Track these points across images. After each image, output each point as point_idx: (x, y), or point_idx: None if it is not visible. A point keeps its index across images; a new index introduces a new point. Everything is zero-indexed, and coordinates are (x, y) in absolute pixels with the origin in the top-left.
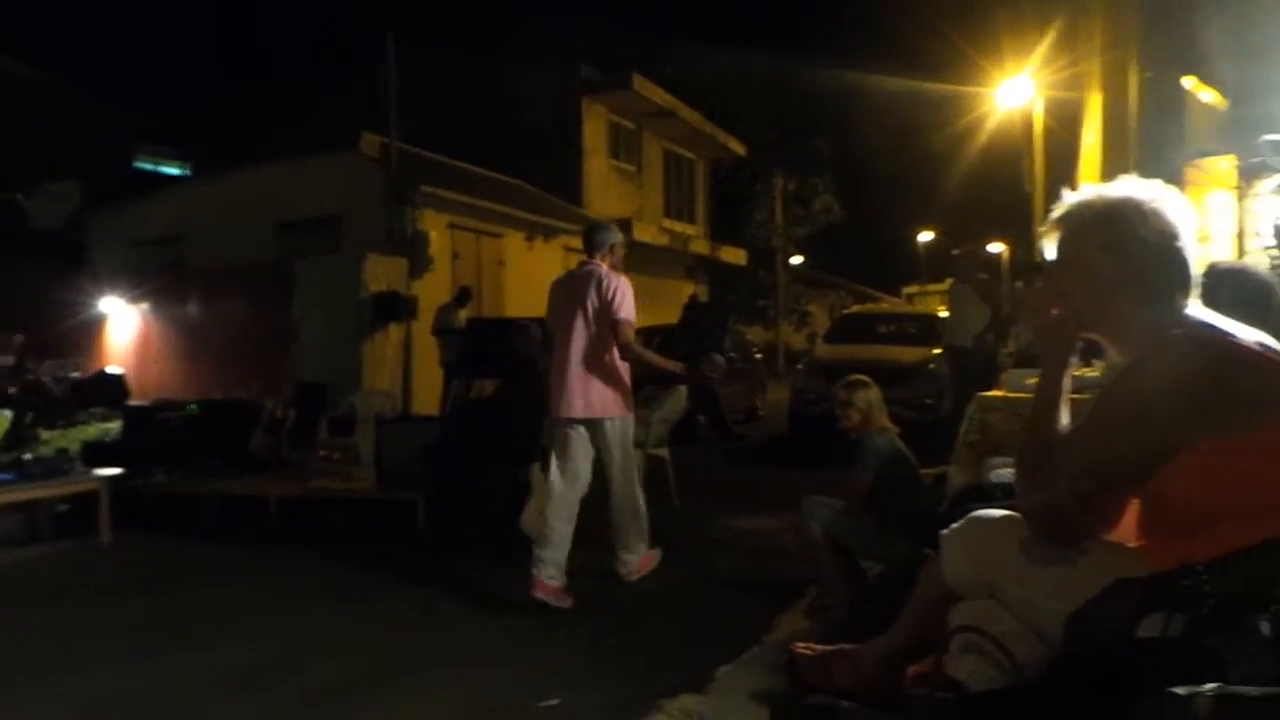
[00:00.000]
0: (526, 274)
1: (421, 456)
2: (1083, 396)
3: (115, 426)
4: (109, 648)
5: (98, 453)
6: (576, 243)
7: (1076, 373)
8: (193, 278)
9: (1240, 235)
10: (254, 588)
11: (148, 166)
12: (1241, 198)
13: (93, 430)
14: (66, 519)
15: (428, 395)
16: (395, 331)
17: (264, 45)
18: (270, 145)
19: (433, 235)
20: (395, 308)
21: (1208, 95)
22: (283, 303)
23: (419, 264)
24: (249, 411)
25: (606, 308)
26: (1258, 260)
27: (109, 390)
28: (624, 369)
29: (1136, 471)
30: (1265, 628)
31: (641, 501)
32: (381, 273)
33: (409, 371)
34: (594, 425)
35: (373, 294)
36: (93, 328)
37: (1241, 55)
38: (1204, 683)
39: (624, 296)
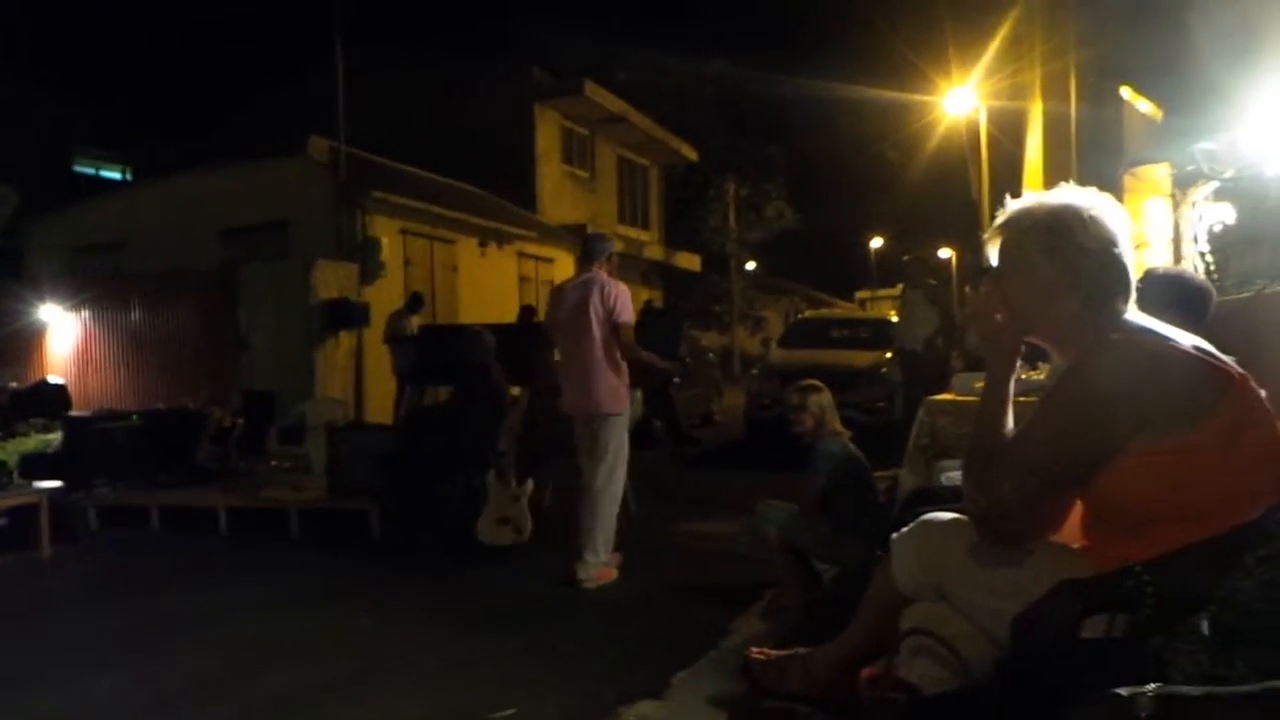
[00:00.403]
0: (480, 280)
1: (375, 465)
2: (1029, 399)
3: (56, 438)
4: (49, 665)
5: (37, 465)
6: (530, 249)
7: (1023, 376)
8: (135, 284)
9: (1176, 241)
10: (202, 600)
11: (88, 170)
12: (1177, 205)
13: (32, 442)
14: (5, 533)
15: (380, 403)
16: (346, 339)
17: (210, 46)
18: (215, 148)
19: (384, 241)
20: (346, 315)
21: (1144, 105)
22: (229, 309)
23: (370, 270)
24: (194, 421)
25: (610, 312)
26: (1193, 265)
27: (49, 401)
28: (624, 368)
29: (1078, 473)
30: (1204, 627)
31: (616, 508)
32: (332, 279)
33: (361, 379)
34: (596, 421)
35: (323, 301)
36: (32, 337)
37: (1174, 66)
38: (1146, 683)
39: (625, 302)
